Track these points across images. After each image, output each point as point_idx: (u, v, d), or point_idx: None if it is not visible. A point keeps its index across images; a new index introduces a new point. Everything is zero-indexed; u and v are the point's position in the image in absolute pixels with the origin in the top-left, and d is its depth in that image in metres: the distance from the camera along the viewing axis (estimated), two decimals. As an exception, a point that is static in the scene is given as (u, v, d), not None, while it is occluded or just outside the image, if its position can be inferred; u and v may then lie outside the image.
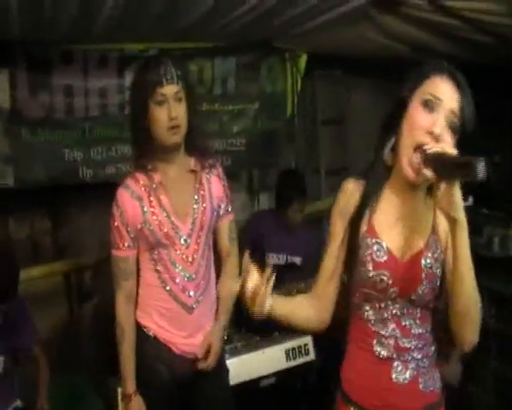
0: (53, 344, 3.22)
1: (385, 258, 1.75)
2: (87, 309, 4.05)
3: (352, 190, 1.84)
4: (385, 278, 1.75)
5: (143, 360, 2.53)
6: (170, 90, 2.37)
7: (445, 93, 1.68)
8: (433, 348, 1.84)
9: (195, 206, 2.51)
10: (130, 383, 2.51)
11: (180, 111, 2.40)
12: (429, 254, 1.75)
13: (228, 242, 2.68)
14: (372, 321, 1.82)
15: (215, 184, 2.59)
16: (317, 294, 1.94)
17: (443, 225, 1.74)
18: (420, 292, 1.74)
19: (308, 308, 1.94)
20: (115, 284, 2.54)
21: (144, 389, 2.54)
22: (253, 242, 3.74)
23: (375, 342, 1.82)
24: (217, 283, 2.68)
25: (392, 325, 1.79)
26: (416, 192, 1.77)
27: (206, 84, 3.99)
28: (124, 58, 3.67)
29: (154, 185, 2.46)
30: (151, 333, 2.54)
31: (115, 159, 3.85)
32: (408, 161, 1.68)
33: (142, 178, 2.47)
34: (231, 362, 2.94)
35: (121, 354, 2.53)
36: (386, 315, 1.80)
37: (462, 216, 1.59)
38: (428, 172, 1.58)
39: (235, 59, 3.98)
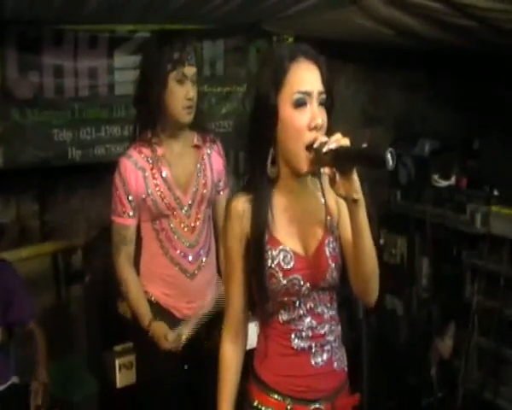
0: (42, 326, 3.25)
1: (292, 263, 1.78)
2: (76, 290, 4.08)
3: (242, 210, 1.81)
4: (297, 281, 1.78)
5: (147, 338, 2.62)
6: (190, 71, 2.51)
7: (308, 81, 1.68)
8: (339, 327, 1.93)
9: (197, 179, 2.62)
10: (146, 317, 2.61)
11: (195, 93, 2.52)
12: (330, 239, 1.83)
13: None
14: (288, 321, 1.85)
15: (215, 160, 2.69)
16: (235, 330, 1.94)
17: (331, 201, 1.83)
18: (329, 277, 1.82)
19: (234, 365, 1.95)
20: (114, 248, 2.65)
21: (148, 354, 2.64)
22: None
23: (292, 337, 1.85)
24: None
25: (307, 319, 1.84)
26: (302, 187, 1.82)
27: (194, 66, 4.03)
28: (114, 39, 3.69)
29: (157, 158, 2.55)
30: (153, 299, 2.65)
31: (104, 139, 3.87)
32: (305, 163, 1.69)
33: (144, 150, 2.57)
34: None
35: (131, 301, 2.65)
36: (301, 312, 1.84)
37: (361, 195, 1.62)
38: (328, 170, 1.62)
39: (224, 41, 4.03)
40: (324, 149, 1.60)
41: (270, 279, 1.77)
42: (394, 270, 4.55)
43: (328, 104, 1.72)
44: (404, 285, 4.55)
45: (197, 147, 2.66)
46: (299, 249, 1.81)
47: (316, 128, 1.67)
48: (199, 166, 2.64)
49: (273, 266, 1.77)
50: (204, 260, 2.68)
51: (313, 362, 1.86)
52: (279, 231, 1.80)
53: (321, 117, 1.68)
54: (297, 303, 1.82)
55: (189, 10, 3.37)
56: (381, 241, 4.58)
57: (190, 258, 2.63)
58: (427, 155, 4.31)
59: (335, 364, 1.90)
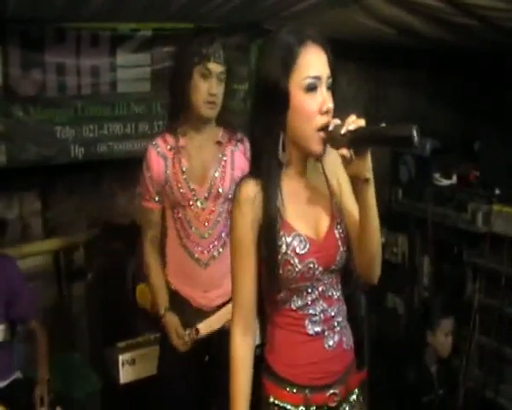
0: (44, 323, 3.28)
1: (307, 247, 1.77)
2: (77, 288, 4.10)
3: (253, 196, 1.78)
4: (312, 265, 1.77)
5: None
6: (216, 67, 2.53)
7: (318, 65, 1.68)
8: (344, 306, 1.94)
9: (215, 174, 2.65)
10: (161, 306, 2.71)
11: (219, 90, 2.56)
12: (338, 221, 1.84)
13: None
14: (301, 307, 1.84)
15: (238, 158, 2.71)
16: (247, 323, 1.88)
17: (333, 182, 1.86)
18: (339, 259, 1.83)
19: (248, 359, 1.89)
20: (142, 231, 2.78)
21: (166, 341, 2.70)
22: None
23: (306, 322, 1.85)
24: None
25: (320, 302, 1.85)
26: (310, 171, 1.84)
27: (196, 64, 4.04)
28: (116, 37, 3.70)
29: (178, 148, 2.62)
30: (173, 287, 2.74)
31: (107, 137, 3.89)
32: (318, 145, 1.70)
33: (170, 139, 2.65)
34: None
35: (151, 285, 2.78)
36: (314, 296, 1.84)
37: (371, 175, 1.65)
38: (345, 151, 1.63)
39: (225, 40, 4.01)
40: (343, 131, 1.61)
41: (285, 266, 1.75)
42: (395, 268, 4.56)
43: (333, 88, 1.74)
44: (405, 284, 4.57)
45: (219, 143, 2.69)
46: (312, 233, 1.81)
47: (327, 112, 1.68)
48: (219, 162, 2.67)
49: (288, 251, 1.75)
50: (219, 251, 2.70)
51: (326, 346, 1.86)
52: (291, 216, 1.79)
53: (329, 101, 1.69)
54: (309, 288, 1.82)
55: (190, 9, 3.39)
56: (383, 239, 4.57)
57: (203, 248, 2.67)
58: (428, 153, 4.31)
59: (344, 343, 1.92)
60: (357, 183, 1.68)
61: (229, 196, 2.68)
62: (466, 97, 4.71)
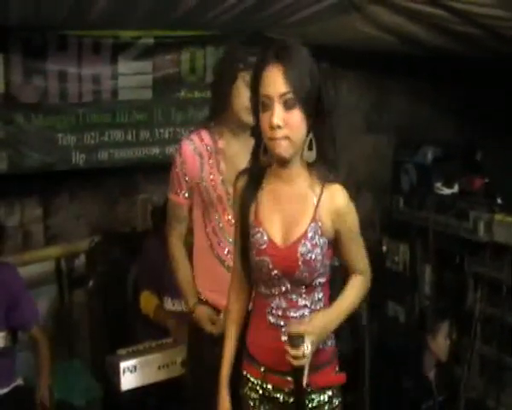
0: (45, 330, 3.28)
1: (265, 245, 1.94)
2: (79, 295, 4.09)
3: (241, 187, 2.06)
4: (266, 264, 1.94)
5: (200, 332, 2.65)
6: None
7: (271, 85, 1.83)
8: (320, 306, 2.01)
9: None
10: (190, 299, 2.66)
11: None
12: (307, 242, 1.91)
13: None
14: (266, 296, 2.00)
15: None
16: (239, 288, 2.17)
17: (325, 216, 1.93)
18: (299, 275, 1.93)
19: (238, 320, 2.17)
20: (168, 225, 2.72)
21: (198, 352, 2.66)
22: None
23: (267, 311, 2.00)
24: None
25: (279, 300, 1.98)
26: (292, 179, 1.95)
27: (198, 73, 4.05)
28: (117, 45, 3.71)
29: (217, 150, 2.59)
30: (202, 298, 2.67)
31: (108, 144, 3.90)
32: (274, 151, 1.86)
33: (206, 137, 2.61)
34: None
35: (178, 279, 2.71)
36: (274, 291, 1.98)
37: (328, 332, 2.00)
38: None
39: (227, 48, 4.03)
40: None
41: (250, 252, 1.99)
42: (396, 277, 4.55)
43: (296, 100, 1.81)
44: (406, 292, 4.55)
45: None
46: (276, 236, 1.95)
47: (272, 127, 1.81)
48: None
49: (252, 241, 1.97)
50: None
51: (284, 338, 1.91)
52: (263, 214, 1.98)
53: (279, 117, 1.80)
54: (270, 283, 1.97)
55: (192, 17, 3.40)
56: (384, 248, 4.58)
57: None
58: (429, 162, 4.31)
59: None
60: None
61: None
62: (468, 106, 4.71)
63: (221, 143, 2.59)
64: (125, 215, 4.26)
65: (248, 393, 2.09)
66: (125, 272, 3.84)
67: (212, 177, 2.58)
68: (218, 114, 2.61)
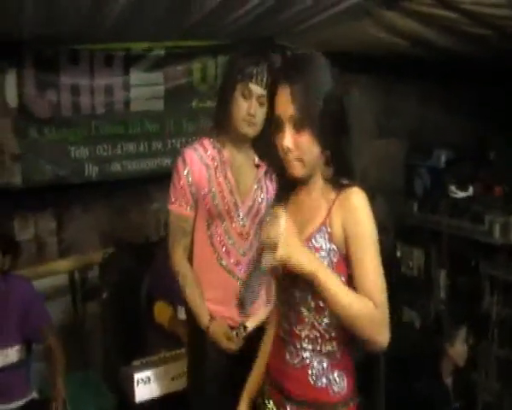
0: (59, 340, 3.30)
1: None
2: (92, 306, 4.10)
3: None
4: (279, 271, 1.85)
5: (201, 338, 2.62)
6: (256, 89, 2.48)
7: (280, 106, 1.79)
8: (329, 346, 1.88)
9: (255, 193, 2.63)
10: (204, 317, 2.60)
11: (259, 112, 2.49)
12: (309, 244, 1.81)
13: None
14: (280, 303, 1.97)
15: (271, 185, 2.67)
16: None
17: (336, 224, 1.80)
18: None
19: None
20: (173, 239, 2.65)
21: (201, 364, 2.64)
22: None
23: (280, 321, 1.96)
24: None
25: (290, 310, 1.90)
26: (312, 196, 1.88)
27: (209, 82, 4.08)
28: (129, 57, 3.73)
29: (223, 160, 2.57)
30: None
31: (120, 156, 3.92)
32: (287, 168, 1.83)
33: (209, 147, 2.60)
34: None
35: (187, 296, 2.63)
36: (287, 299, 1.90)
37: (306, 270, 1.73)
38: None
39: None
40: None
41: None
42: (411, 282, 4.54)
43: (306, 120, 1.77)
44: (421, 298, 4.53)
45: (257, 166, 2.66)
46: None
47: (283, 150, 1.81)
48: (258, 182, 2.64)
49: None
50: None
51: (288, 358, 1.92)
52: None
53: (289, 140, 1.79)
54: (287, 291, 1.90)
55: (203, 27, 3.40)
56: (398, 253, 4.57)
57: (242, 266, 2.63)
58: (442, 165, 4.31)
59: (310, 378, 1.89)
60: None
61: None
62: (480, 107, 4.70)
63: (226, 153, 2.58)
64: (138, 226, 4.26)
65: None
66: (139, 282, 3.83)
67: (220, 187, 2.56)
68: (220, 125, 2.59)
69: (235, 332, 2.59)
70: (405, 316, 4.67)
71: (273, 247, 1.73)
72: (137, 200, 4.24)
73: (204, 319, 2.59)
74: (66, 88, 3.64)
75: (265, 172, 2.67)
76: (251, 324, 2.64)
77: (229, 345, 2.55)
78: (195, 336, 2.66)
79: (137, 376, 3.26)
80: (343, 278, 1.79)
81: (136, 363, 3.38)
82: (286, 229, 1.74)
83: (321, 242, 1.81)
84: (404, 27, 3.37)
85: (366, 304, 1.71)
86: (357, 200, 1.76)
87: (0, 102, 3.54)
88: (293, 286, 1.86)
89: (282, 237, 1.73)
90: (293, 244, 1.74)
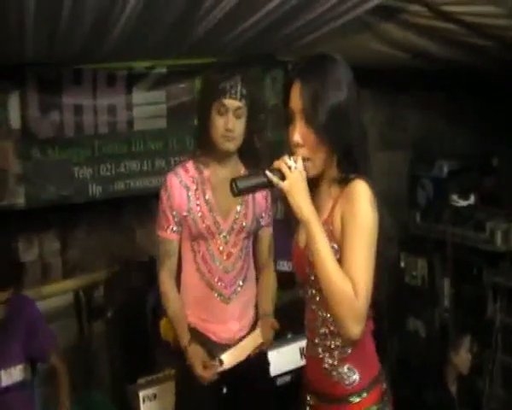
0: (64, 361, 3.29)
1: (293, 250, 1.99)
2: (98, 326, 4.09)
3: None
4: (292, 268, 2.00)
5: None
6: (232, 104, 2.51)
7: (294, 100, 1.81)
8: (338, 341, 1.90)
9: (238, 208, 2.65)
10: (184, 337, 2.61)
11: (237, 126, 2.53)
12: None
13: (267, 253, 2.83)
14: (306, 306, 2.00)
15: (259, 195, 2.71)
16: None
17: (337, 215, 1.82)
18: (311, 276, 1.86)
19: None
20: (158, 262, 2.71)
21: (187, 380, 2.61)
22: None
23: (305, 324, 2.02)
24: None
25: (306, 306, 1.98)
26: (322, 195, 1.90)
27: (211, 99, 4.07)
28: (131, 76, 3.74)
29: (203, 180, 2.61)
30: (191, 325, 2.67)
31: (124, 175, 3.91)
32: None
33: (191, 169, 2.64)
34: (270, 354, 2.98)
35: (170, 317, 2.69)
36: (307, 298, 1.96)
37: (303, 215, 1.73)
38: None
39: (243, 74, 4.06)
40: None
41: None
42: (415, 292, 4.55)
43: (313, 114, 1.78)
44: (425, 307, 4.54)
45: None
46: (300, 241, 1.94)
47: (293, 144, 1.83)
48: (242, 197, 2.64)
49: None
50: (241, 285, 2.70)
51: (311, 352, 1.99)
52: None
53: (299, 133, 1.81)
54: (306, 291, 1.95)
55: (204, 44, 3.42)
56: (402, 263, 4.58)
57: (225, 284, 2.66)
58: (445, 176, 4.33)
59: (324, 371, 1.94)
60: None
61: (251, 232, 2.72)
62: (484, 118, 4.72)
63: (206, 173, 2.62)
64: (143, 244, 4.26)
65: None
66: (144, 300, 3.84)
67: (198, 208, 2.60)
68: (201, 145, 2.63)
69: (213, 362, 2.59)
70: (411, 325, 4.67)
71: (282, 176, 1.75)
72: (141, 218, 4.24)
73: (183, 340, 2.61)
74: (69, 108, 3.64)
75: None
76: (229, 362, 2.62)
77: (202, 373, 2.54)
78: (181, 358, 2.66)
79: (143, 393, 3.27)
80: None
81: (141, 381, 3.38)
82: (300, 172, 1.76)
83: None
84: (403, 40, 3.40)
85: (349, 288, 1.68)
86: (357, 189, 1.76)
87: (3, 124, 3.54)
88: (306, 282, 1.93)
89: (295, 172, 1.74)
90: (301, 187, 1.75)
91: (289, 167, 1.75)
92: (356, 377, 1.92)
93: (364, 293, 1.69)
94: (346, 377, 1.91)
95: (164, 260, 2.69)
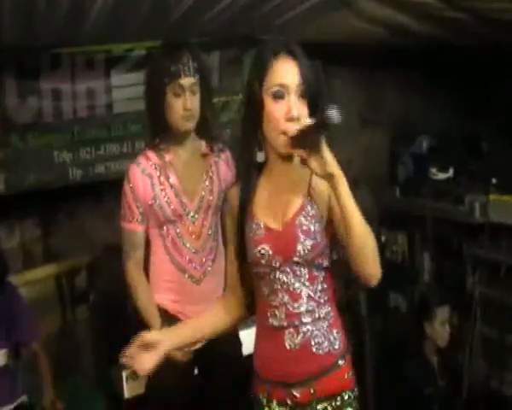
0: (48, 349, 3.29)
1: (262, 233, 1.90)
2: (81, 311, 4.08)
3: (234, 194, 2.00)
4: (264, 251, 1.88)
5: None
6: (187, 82, 2.52)
7: (287, 75, 1.82)
8: (325, 309, 1.93)
9: (203, 186, 2.67)
10: (155, 326, 2.61)
11: (194, 102, 2.55)
12: (303, 214, 1.87)
13: None
14: (266, 295, 1.93)
15: (223, 168, 2.74)
16: (228, 297, 2.11)
17: (321, 188, 1.86)
18: (301, 251, 1.85)
19: (213, 316, 2.10)
20: (124, 254, 2.71)
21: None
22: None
23: (268, 314, 1.93)
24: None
25: (281, 294, 1.90)
26: (287, 169, 1.91)
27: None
28: (110, 59, 3.70)
29: (165, 165, 2.61)
30: (161, 306, 2.69)
31: (104, 158, 3.89)
32: (282, 146, 1.82)
33: (153, 156, 2.64)
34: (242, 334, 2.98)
35: (139, 308, 2.69)
36: (275, 286, 1.90)
37: (336, 170, 1.69)
38: (300, 152, 1.74)
39: (219, 53, 4.05)
40: (291, 134, 1.75)
41: (248, 250, 1.92)
42: (396, 267, 4.58)
43: (306, 93, 1.82)
44: (406, 282, 4.58)
45: (205, 155, 2.70)
46: (272, 223, 1.90)
47: (292, 119, 1.78)
48: (206, 173, 2.69)
49: (249, 236, 1.92)
50: (210, 265, 2.72)
51: (287, 344, 1.90)
52: (258, 206, 1.93)
53: (297, 108, 1.79)
54: (271, 275, 1.90)
55: (182, 26, 3.40)
56: (383, 239, 4.61)
57: (196, 264, 2.68)
58: (425, 151, 4.36)
59: (314, 347, 1.91)
60: (328, 182, 1.74)
61: (218, 206, 2.73)
62: (463, 95, 4.74)
63: (168, 157, 2.63)
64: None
65: None
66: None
67: (163, 193, 2.61)
68: (158, 131, 2.64)
69: None
70: (392, 301, 4.72)
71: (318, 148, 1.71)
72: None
73: (155, 328, 2.61)
74: (47, 93, 3.60)
75: (218, 155, 2.73)
76: None
77: (177, 354, 2.55)
78: None
79: (126, 373, 3.30)
80: (327, 241, 1.88)
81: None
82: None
83: (312, 211, 1.88)
84: (382, 16, 3.40)
85: (372, 234, 1.77)
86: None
87: (-19, 111, 3.50)
88: (274, 272, 1.89)
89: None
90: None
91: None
92: (341, 339, 1.95)
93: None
94: (335, 341, 1.93)
95: (130, 253, 2.68)
